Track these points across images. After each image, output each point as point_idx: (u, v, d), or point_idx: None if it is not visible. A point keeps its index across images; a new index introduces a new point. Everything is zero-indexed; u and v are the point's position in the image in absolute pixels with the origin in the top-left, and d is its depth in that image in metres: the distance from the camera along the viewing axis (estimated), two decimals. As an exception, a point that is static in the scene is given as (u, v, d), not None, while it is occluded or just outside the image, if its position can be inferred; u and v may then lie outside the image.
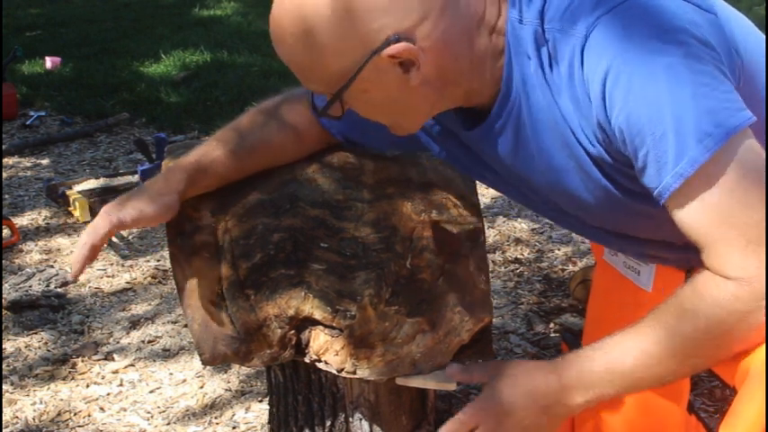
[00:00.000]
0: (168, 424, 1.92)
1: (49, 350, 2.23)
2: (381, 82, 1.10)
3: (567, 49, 1.06)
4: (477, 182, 1.47)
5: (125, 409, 1.98)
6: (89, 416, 1.96)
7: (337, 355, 1.30)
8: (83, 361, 2.18)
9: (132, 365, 2.16)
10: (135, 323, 2.36)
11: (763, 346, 1.07)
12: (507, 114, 1.15)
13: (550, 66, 1.08)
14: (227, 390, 2.04)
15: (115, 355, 2.20)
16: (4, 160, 3.66)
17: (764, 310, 1.01)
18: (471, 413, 1.18)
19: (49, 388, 2.07)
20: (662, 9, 1.03)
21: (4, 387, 2.07)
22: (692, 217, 1.03)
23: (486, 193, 3.19)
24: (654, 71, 0.99)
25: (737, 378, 1.12)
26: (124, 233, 2.93)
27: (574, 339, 1.98)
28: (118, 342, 2.27)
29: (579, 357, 1.14)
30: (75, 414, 1.97)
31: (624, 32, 1.02)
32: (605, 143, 1.08)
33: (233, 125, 1.42)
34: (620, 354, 1.10)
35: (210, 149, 1.37)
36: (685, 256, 1.27)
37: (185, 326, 2.30)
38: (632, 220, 1.22)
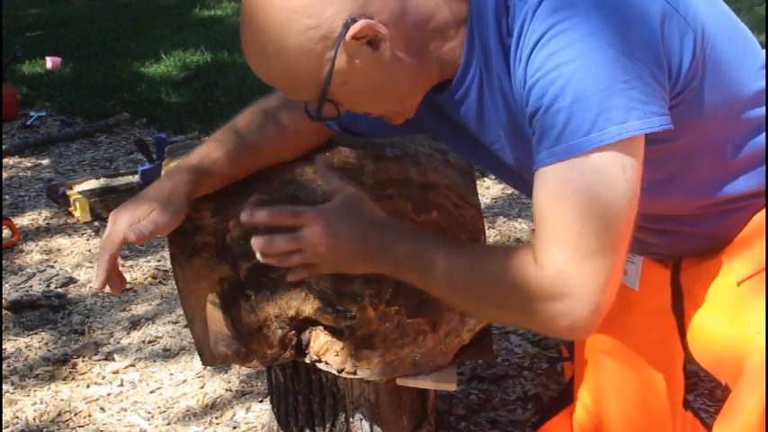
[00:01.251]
0: (168, 424, 1.92)
1: (49, 350, 2.23)
2: (357, 67, 1.10)
3: (521, 15, 1.06)
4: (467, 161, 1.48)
5: (125, 410, 1.98)
6: (89, 416, 1.96)
7: (338, 355, 1.30)
8: (83, 361, 2.18)
9: (133, 366, 2.16)
10: (135, 323, 2.36)
11: (758, 342, 1.07)
12: (469, 83, 1.16)
13: (509, 34, 1.09)
14: (227, 390, 2.04)
15: (116, 356, 2.20)
16: (5, 160, 3.66)
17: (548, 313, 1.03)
18: (307, 214, 1.20)
19: (49, 388, 2.07)
20: None
21: (5, 387, 2.07)
22: (543, 199, 1.04)
23: (486, 194, 3.19)
24: (580, 49, 1.00)
25: (731, 377, 1.13)
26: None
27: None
28: (118, 342, 2.27)
29: (404, 232, 1.20)
30: (75, 414, 1.97)
31: (572, 3, 1.02)
32: (522, 106, 1.09)
33: (231, 125, 1.42)
34: (429, 255, 1.13)
35: (211, 151, 1.37)
36: (664, 242, 1.28)
37: (186, 326, 2.30)
38: None
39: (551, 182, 1.02)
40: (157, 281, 2.60)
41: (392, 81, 1.14)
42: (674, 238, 1.30)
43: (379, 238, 1.17)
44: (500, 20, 1.09)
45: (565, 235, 1.01)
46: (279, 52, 1.09)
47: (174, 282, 1.42)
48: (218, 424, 1.92)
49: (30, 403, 2.01)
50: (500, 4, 1.08)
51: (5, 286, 2.50)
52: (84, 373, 2.13)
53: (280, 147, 1.43)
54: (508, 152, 1.21)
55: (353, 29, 1.06)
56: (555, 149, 1.01)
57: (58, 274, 2.59)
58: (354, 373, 1.30)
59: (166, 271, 2.63)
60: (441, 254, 1.13)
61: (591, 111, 0.99)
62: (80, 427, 1.92)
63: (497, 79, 1.13)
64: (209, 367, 2.09)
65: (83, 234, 2.95)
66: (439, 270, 1.12)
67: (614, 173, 1.00)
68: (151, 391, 2.05)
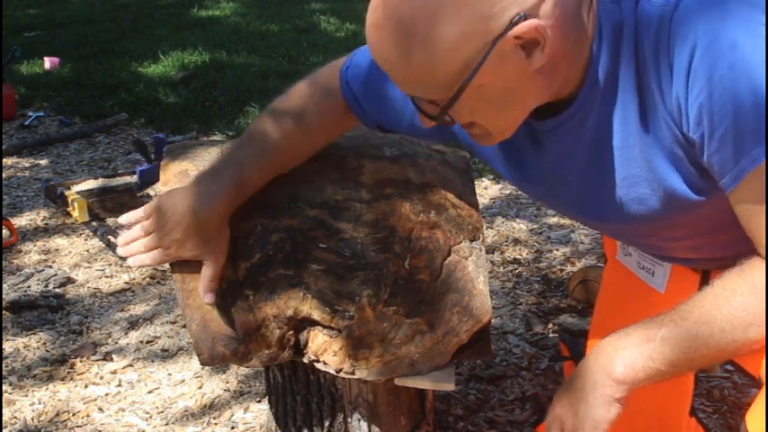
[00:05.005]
0: (167, 424, 1.92)
1: (47, 350, 2.23)
2: (501, 71, 1.01)
3: (654, 21, 1.01)
4: (477, 182, 1.46)
5: (123, 410, 1.98)
6: (88, 416, 1.96)
7: (336, 355, 1.30)
8: (81, 361, 2.18)
9: (131, 366, 2.16)
10: (133, 323, 2.36)
11: None
12: (590, 104, 1.09)
13: (636, 43, 1.03)
14: (225, 390, 2.04)
15: (114, 356, 2.20)
16: (3, 161, 3.65)
17: None
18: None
19: (47, 388, 2.07)
20: None
21: (3, 387, 2.07)
22: (757, 206, 1.00)
23: (484, 194, 3.19)
24: (742, 48, 0.96)
25: (763, 370, 1.12)
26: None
27: (572, 340, 1.98)
28: (116, 342, 2.27)
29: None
30: (73, 414, 1.97)
31: (713, 3, 0.98)
32: (677, 124, 1.04)
33: (252, 134, 1.37)
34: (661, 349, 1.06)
35: (240, 170, 1.32)
36: (717, 261, 1.26)
37: (184, 326, 2.30)
38: (684, 220, 1.19)
39: (759, 187, 0.99)
40: (156, 281, 2.60)
41: (521, 96, 1.07)
42: (712, 262, 1.30)
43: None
44: (637, 35, 1.03)
45: None
46: (428, 37, 0.99)
47: (172, 282, 1.42)
48: (216, 424, 1.92)
49: (28, 403, 2.01)
50: (630, 22, 1.03)
51: (4, 286, 2.50)
52: (82, 374, 2.13)
53: (306, 146, 1.40)
54: (592, 182, 1.16)
55: (520, 27, 0.98)
56: (755, 154, 0.97)
57: (56, 275, 2.59)
58: (352, 373, 1.30)
59: (165, 271, 2.63)
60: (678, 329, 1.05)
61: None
62: (78, 427, 1.92)
63: (637, 97, 1.07)
64: (207, 367, 2.09)
65: (81, 234, 2.95)
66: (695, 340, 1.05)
67: None
68: (149, 392, 2.05)
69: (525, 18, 0.97)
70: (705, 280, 1.34)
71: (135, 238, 1.32)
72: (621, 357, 1.07)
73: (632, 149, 1.10)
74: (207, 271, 1.29)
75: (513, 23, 0.97)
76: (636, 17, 1.04)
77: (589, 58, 1.07)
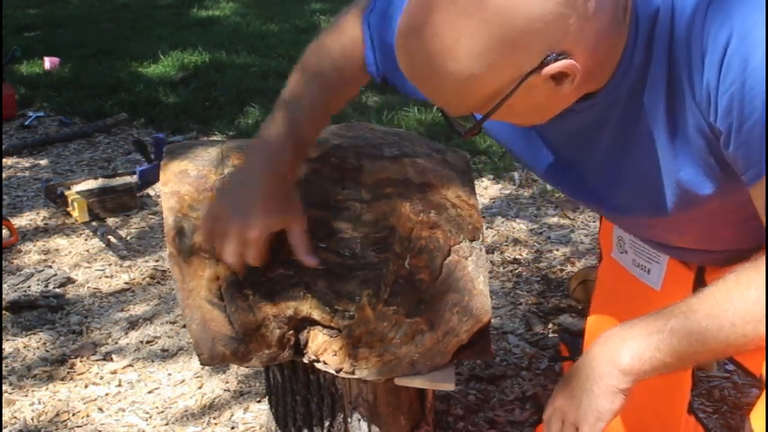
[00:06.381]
0: (167, 424, 1.92)
1: (47, 350, 2.23)
2: (530, 96, 1.02)
3: (688, 9, 1.00)
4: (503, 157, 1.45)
5: (123, 410, 1.98)
6: (87, 416, 1.96)
7: (336, 355, 1.30)
8: (81, 361, 2.18)
9: (131, 366, 2.16)
10: (133, 323, 2.36)
11: None
12: (621, 90, 1.09)
13: (672, 31, 1.03)
14: (225, 390, 2.04)
15: (114, 356, 2.20)
16: (3, 161, 3.65)
17: None
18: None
19: (47, 388, 2.07)
20: None
21: (3, 387, 2.07)
22: None
23: (484, 194, 3.19)
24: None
25: (766, 368, 1.12)
26: (122, 233, 2.93)
27: (572, 340, 1.98)
28: (116, 342, 2.27)
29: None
30: (73, 414, 1.97)
31: None
32: (704, 113, 1.03)
33: (292, 94, 1.36)
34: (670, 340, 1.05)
35: (296, 126, 1.32)
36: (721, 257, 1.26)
37: (184, 326, 2.30)
38: (707, 218, 1.19)
39: None
40: (156, 281, 2.60)
41: (553, 107, 1.08)
42: (710, 254, 1.29)
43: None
44: (672, 23, 1.02)
45: None
46: (459, 70, 0.99)
47: (172, 282, 1.42)
48: (216, 424, 1.92)
49: (28, 403, 2.01)
50: (666, 9, 1.02)
51: (4, 286, 2.50)
52: (82, 374, 2.13)
53: (346, 87, 1.41)
54: (612, 172, 1.16)
55: (551, 68, 0.98)
56: None
57: (56, 275, 2.59)
58: (352, 373, 1.30)
59: (165, 271, 2.63)
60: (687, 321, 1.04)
61: None
62: (78, 427, 1.92)
63: (666, 86, 1.06)
64: (207, 367, 2.09)
65: (81, 234, 2.95)
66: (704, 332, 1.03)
67: None
68: (149, 392, 2.05)
69: (557, 59, 0.97)
70: (700, 277, 1.34)
71: (226, 251, 1.30)
72: (629, 347, 1.06)
73: (659, 139, 1.10)
74: (296, 235, 1.29)
75: (544, 63, 0.98)
76: (672, 4, 1.03)
77: (624, 46, 1.06)
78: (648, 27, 1.05)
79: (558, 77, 1.00)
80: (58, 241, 2.91)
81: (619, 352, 1.07)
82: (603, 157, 1.18)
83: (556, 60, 0.98)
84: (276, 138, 1.32)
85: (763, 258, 1.03)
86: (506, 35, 0.96)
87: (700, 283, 1.32)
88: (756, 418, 1.10)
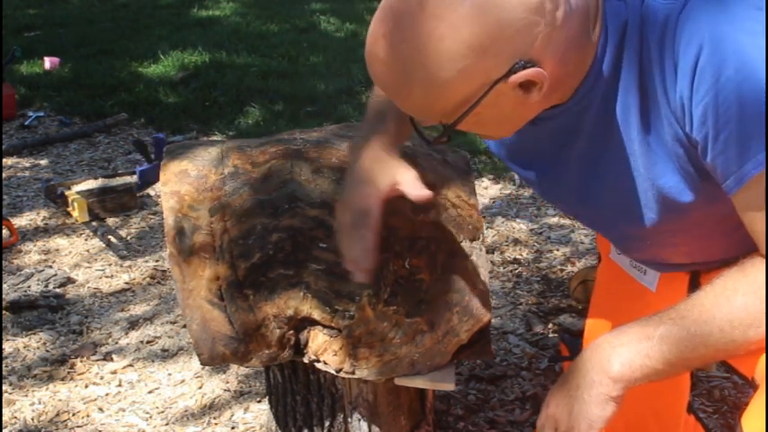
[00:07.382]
0: (167, 424, 1.92)
1: (47, 350, 2.23)
2: (498, 105, 1.03)
3: (660, 19, 1.01)
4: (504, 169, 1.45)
5: (124, 410, 1.98)
6: (88, 416, 1.96)
7: (336, 355, 1.30)
8: (81, 361, 2.18)
9: (131, 366, 2.16)
10: (134, 323, 2.36)
11: None
12: (591, 98, 1.09)
13: (641, 40, 1.03)
14: (225, 390, 2.04)
15: (114, 356, 2.20)
16: (3, 161, 3.65)
17: None
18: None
19: (47, 388, 2.07)
20: None
21: (3, 387, 2.07)
22: (760, 209, 1.00)
23: (484, 194, 3.19)
24: (749, 51, 0.95)
25: (758, 371, 1.12)
26: (122, 233, 2.93)
27: (572, 340, 1.98)
28: (116, 342, 2.27)
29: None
30: (73, 414, 1.97)
31: (721, 3, 0.98)
32: (680, 123, 1.04)
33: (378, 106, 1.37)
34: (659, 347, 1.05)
35: (389, 118, 1.33)
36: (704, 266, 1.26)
37: (184, 326, 2.30)
38: (685, 227, 1.19)
39: (763, 189, 0.98)
40: (156, 281, 2.60)
41: (520, 116, 1.09)
42: (706, 266, 1.29)
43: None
44: (642, 32, 1.03)
45: None
46: (428, 78, 0.99)
47: (172, 282, 1.42)
48: (216, 424, 1.92)
49: (28, 403, 2.01)
50: (635, 19, 1.03)
51: (4, 286, 2.50)
52: (82, 374, 2.13)
53: None
54: (597, 179, 1.16)
55: (519, 75, 0.98)
56: (761, 157, 0.97)
57: (56, 275, 2.59)
58: (352, 373, 1.30)
59: (165, 271, 2.63)
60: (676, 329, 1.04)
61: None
62: (78, 427, 1.92)
63: (638, 94, 1.06)
64: (207, 367, 2.09)
65: (81, 234, 2.95)
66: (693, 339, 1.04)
67: None
68: (149, 392, 2.05)
69: (525, 66, 0.98)
70: (694, 279, 1.34)
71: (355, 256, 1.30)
72: (618, 355, 1.07)
73: (632, 145, 1.10)
74: (408, 183, 1.27)
75: (512, 71, 0.98)
76: (641, 14, 1.04)
77: (594, 56, 1.07)
78: (618, 37, 1.05)
79: (526, 86, 1.01)
80: (58, 241, 2.91)
81: (609, 359, 1.07)
82: (579, 167, 1.18)
83: (524, 68, 0.98)
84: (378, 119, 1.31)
85: (750, 263, 1.04)
86: (477, 40, 0.96)
87: (694, 284, 1.33)
88: (749, 421, 1.10)
